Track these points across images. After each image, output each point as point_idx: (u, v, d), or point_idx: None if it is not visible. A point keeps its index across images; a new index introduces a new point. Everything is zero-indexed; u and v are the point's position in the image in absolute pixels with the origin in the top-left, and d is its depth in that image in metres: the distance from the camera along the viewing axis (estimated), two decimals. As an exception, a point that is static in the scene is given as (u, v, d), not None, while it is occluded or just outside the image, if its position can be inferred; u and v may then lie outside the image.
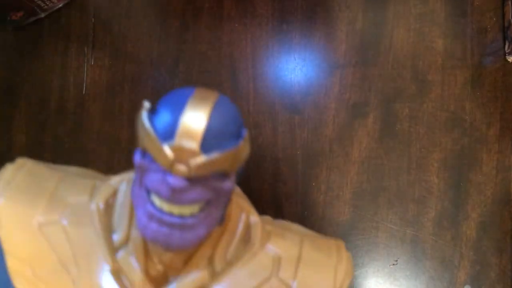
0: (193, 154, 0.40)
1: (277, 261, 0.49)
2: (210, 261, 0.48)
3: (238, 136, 0.44)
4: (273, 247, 0.50)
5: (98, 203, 0.49)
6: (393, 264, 0.99)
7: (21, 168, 0.52)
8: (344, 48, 1.02)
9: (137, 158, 0.43)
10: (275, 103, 1.02)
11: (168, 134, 0.41)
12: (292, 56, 1.03)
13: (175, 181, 0.40)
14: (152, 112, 0.44)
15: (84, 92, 1.06)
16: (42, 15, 1.07)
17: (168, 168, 0.40)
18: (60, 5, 1.06)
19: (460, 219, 0.98)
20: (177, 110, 0.42)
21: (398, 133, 1.00)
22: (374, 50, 1.01)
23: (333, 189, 1.00)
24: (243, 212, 0.51)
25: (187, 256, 0.47)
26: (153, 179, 0.42)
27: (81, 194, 0.50)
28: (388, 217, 0.99)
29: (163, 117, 0.42)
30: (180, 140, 0.40)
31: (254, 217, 0.51)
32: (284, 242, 0.51)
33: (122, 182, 0.51)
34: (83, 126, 1.06)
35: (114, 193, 0.50)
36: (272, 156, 1.00)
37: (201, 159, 0.40)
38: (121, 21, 1.06)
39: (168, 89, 1.04)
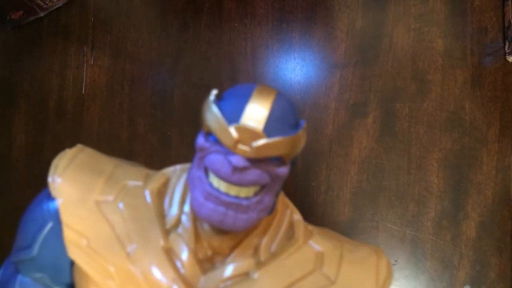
0: (256, 136, 0.44)
1: (320, 257, 0.51)
2: (256, 250, 0.50)
3: (296, 126, 0.48)
4: (316, 244, 0.52)
5: (153, 188, 0.52)
6: (393, 264, 0.98)
7: (81, 152, 0.55)
8: (344, 47, 1.02)
9: (200, 140, 0.47)
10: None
11: (234, 117, 0.45)
12: (292, 55, 1.03)
13: (238, 160, 0.43)
14: (219, 99, 0.47)
15: (83, 92, 1.06)
16: (42, 14, 1.06)
17: (232, 148, 0.44)
18: (60, 4, 1.06)
19: (460, 219, 0.98)
20: (244, 98, 0.46)
21: (398, 133, 1.00)
22: (374, 50, 1.01)
23: (333, 189, 1.00)
24: (288, 209, 0.54)
25: (234, 243, 0.50)
26: (215, 159, 0.45)
27: (136, 179, 0.53)
28: (387, 217, 0.99)
29: (230, 103, 0.46)
30: (245, 122, 0.44)
31: (297, 215, 0.54)
32: (325, 241, 0.53)
33: (174, 172, 0.54)
34: (82, 126, 1.06)
35: (166, 182, 0.53)
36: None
37: (263, 140, 0.44)
38: (121, 21, 1.06)
39: (168, 89, 1.04)
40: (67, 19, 1.07)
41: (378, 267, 0.51)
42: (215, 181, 0.45)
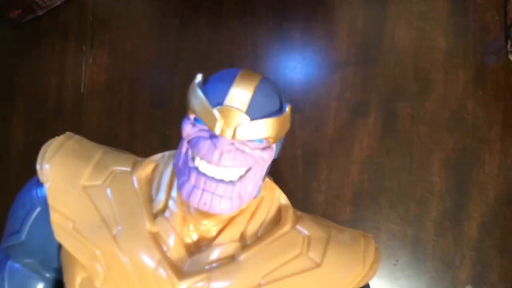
0: (239, 117, 0.44)
1: (307, 241, 0.51)
2: (242, 235, 0.51)
3: (281, 109, 0.48)
4: (303, 229, 0.52)
5: (140, 174, 0.53)
6: (394, 265, 0.98)
7: (70, 139, 0.56)
8: (345, 46, 1.01)
9: (185, 124, 0.47)
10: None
11: (218, 100, 0.45)
12: (293, 54, 1.02)
13: (222, 142, 0.44)
14: (204, 83, 0.48)
15: (82, 91, 1.06)
16: (40, 13, 1.06)
17: (216, 131, 0.45)
18: (58, 3, 1.06)
19: (462, 219, 0.98)
20: (227, 82, 0.46)
21: (399, 133, 0.99)
22: (375, 49, 1.00)
23: (334, 188, 1.00)
24: (275, 193, 0.55)
25: (220, 227, 0.51)
26: (201, 144, 0.46)
27: (124, 165, 0.54)
28: (389, 217, 0.99)
29: (214, 87, 0.47)
30: (229, 103, 0.45)
31: (285, 200, 0.55)
32: (313, 225, 0.53)
33: (162, 158, 0.55)
34: (81, 125, 1.06)
35: (154, 168, 0.54)
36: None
37: (246, 122, 0.45)
38: (120, 19, 1.05)
39: (167, 88, 1.04)
40: (66, 17, 1.07)
41: (365, 252, 0.52)
42: (201, 165, 0.46)
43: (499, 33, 0.99)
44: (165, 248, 0.49)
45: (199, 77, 0.47)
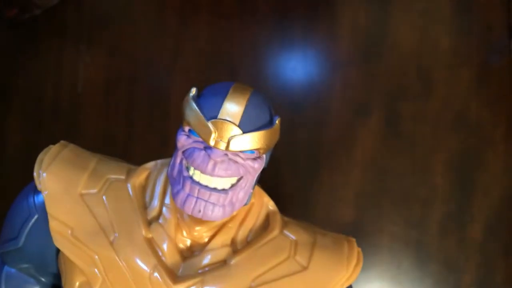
0: (232, 131, 0.48)
1: (294, 246, 0.55)
2: (233, 240, 0.54)
3: (271, 122, 0.52)
4: (290, 234, 0.55)
5: (135, 182, 0.55)
6: (397, 268, 0.98)
7: (65, 148, 0.57)
8: (347, 45, 1.00)
9: (180, 135, 0.50)
10: (275, 102, 1.00)
11: (213, 113, 0.48)
12: (293, 54, 1.01)
13: (216, 154, 0.47)
14: (198, 96, 0.51)
15: (79, 91, 1.05)
16: (37, 12, 1.05)
17: (210, 142, 0.48)
18: (56, 2, 1.05)
19: (466, 221, 0.97)
20: (220, 96, 0.50)
21: (402, 133, 0.98)
22: (377, 48, 0.99)
23: (336, 190, 0.99)
24: (264, 201, 0.59)
25: (212, 233, 0.54)
26: (196, 155, 0.49)
27: (119, 173, 0.56)
28: (392, 219, 0.98)
29: (208, 100, 0.50)
30: (222, 117, 0.48)
31: (272, 207, 0.59)
32: (300, 230, 0.57)
33: (155, 166, 0.58)
34: (78, 126, 1.05)
35: (148, 176, 0.57)
36: (273, 157, 0.99)
37: (238, 135, 0.48)
38: (118, 18, 1.05)
39: (166, 88, 1.03)
40: (63, 16, 1.06)
41: (349, 255, 0.55)
42: (195, 175, 0.49)
43: (502, 32, 0.99)
44: (160, 253, 0.52)
45: (193, 91, 0.51)
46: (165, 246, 0.52)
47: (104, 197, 0.54)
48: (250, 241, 0.55)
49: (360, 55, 1.00)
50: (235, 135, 0.48)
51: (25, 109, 1.07)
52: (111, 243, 0.52)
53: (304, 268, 0.53)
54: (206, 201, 0.49)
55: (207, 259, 0.53)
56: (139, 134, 1.03)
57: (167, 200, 0.54)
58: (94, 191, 0.54)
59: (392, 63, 0.99)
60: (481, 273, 0.96)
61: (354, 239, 0.58)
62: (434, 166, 0.98)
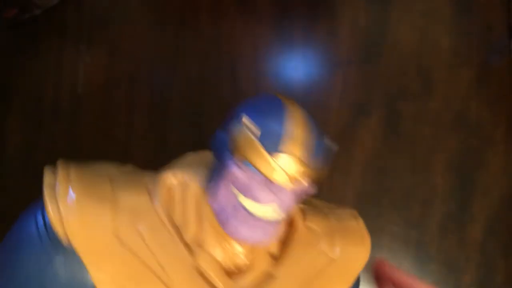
0: (297, 167, 0.43)
1: (319, 238, 0.54)
2: (269, 249, 0.52)
3: (325, 145, 0.47)
4: (312, 225, 0.54)
5: (162, 203, 0.50)
6: (397, 267, 0.97)
7: (69, 179, 0.48)
8: (347, 45, 1.00)
9: (234, 170, 0.45)
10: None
11: (274, 147, 0.43)
12: (294, 53, 1.01)
13: (282, 192, 0.43)
14: (240, 118, 0.45)
15: (79, 91, 1.05)
16: (37, 12, 1.05)
17: (275, 179, 0.43)
18: (56, 2, 1.05)
19: (466, 221, 0.97)
20: (277, 122, 0.43)
21: (402, 133, 0.98)
22: (377, 48, 0.99)
23: (336, 190, 0.99)
24: None
25: (250, 248, 0.51)
26: (258, 192, 0.44)
27: (140, 194, 0.50)
28: (392, 219, 0.98)
29: (265, 129, 0.43)
30: (285, 151, 0.43)
31: None
32: (317, 218, 0.55)
33: (176, 183, 0.51)
34: (78, 126, 1.04)
35: (169, 195, 0.51)
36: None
37: (304, 170, 0.43)
38: (118, 18, 1.04)
39: (166, 88, 1.02)
40: (63, 16, 1.06)
41: (361, 233, 0.56)
42: (251, 207, 0.45)
43: (502, 32, 0.98)
44: (210, 280, 0.48)
45: (245, 120, 0.44)
46: (213, 271, 0.48)
47: (137, 227, 0.47)
48: (283, 242, 0.53)
49: (360, 55, 0.99)
50: (299, 171, 0.43)
51: (25, 109, 1.06)
52: (159, 278, 0.46)
53: (333, 259, 0.53)
54: (262, 230, 0.46)
55: (253, 274, 0.50)
56: (139, 134, 1.03)
57: (206, 224, 0.49)
58: (124, 222, 0.47)
59: (392, 63, 0.99)
60: (481, 273, 0.96)
61: (356, 213, 0.59)
62: (434, 166, 0.97)
